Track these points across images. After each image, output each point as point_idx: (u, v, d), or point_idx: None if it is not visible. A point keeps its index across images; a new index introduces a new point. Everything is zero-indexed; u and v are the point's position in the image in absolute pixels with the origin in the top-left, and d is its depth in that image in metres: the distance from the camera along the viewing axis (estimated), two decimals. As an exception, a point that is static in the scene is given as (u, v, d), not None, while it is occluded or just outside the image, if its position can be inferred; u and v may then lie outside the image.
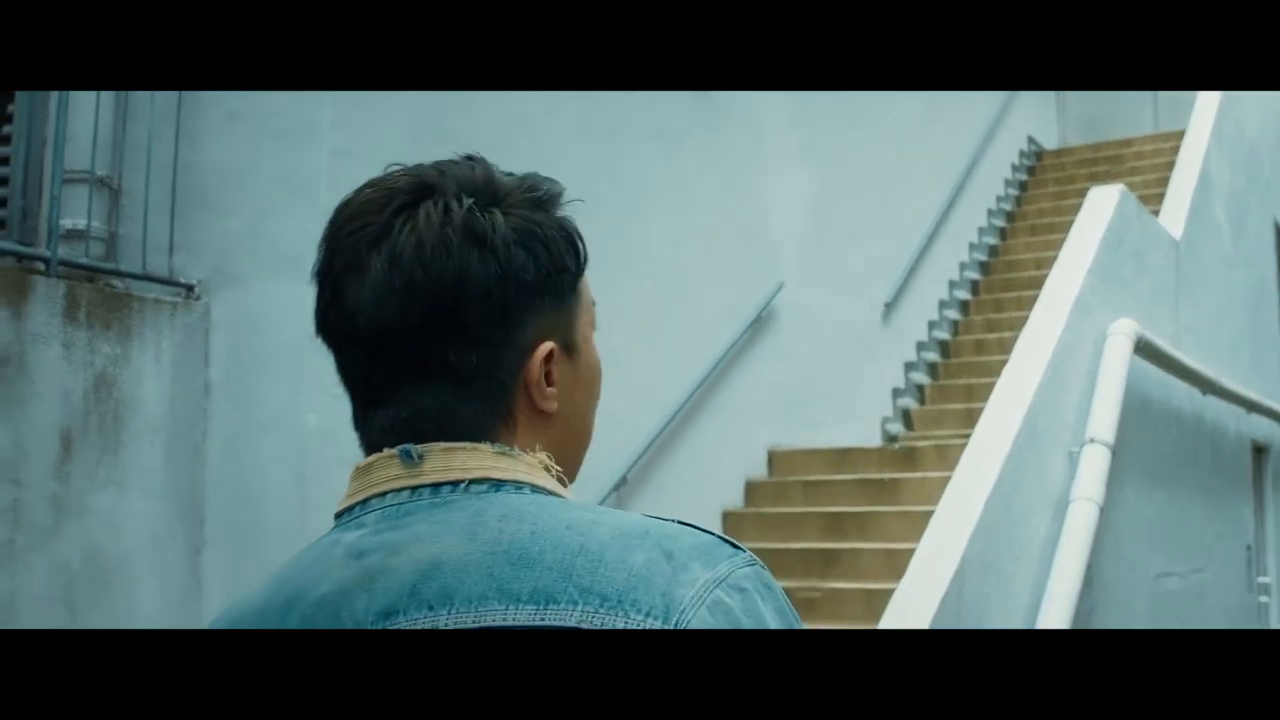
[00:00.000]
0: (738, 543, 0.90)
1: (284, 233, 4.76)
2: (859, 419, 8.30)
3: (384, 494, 0.93)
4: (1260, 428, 9.30)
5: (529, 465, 0.95)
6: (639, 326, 6.36)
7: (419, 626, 0.83)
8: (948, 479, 6.65)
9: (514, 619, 0.82)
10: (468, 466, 0.92)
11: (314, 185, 4.76)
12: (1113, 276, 6.27)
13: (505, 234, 0.93)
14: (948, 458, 7.12)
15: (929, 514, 6.44)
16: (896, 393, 8.80)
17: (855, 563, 6.44)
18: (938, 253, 9.71)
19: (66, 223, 4.40)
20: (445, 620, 0.83)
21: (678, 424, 6.60)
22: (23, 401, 4.00)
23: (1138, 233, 6.77)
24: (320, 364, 1.00)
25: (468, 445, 0.93)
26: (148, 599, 4.33)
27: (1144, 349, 6.19)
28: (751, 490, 7.32)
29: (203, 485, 4.58)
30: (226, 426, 4.67)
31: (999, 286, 10.17)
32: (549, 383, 0.99)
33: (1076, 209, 10.31)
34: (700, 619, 0.81)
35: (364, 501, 0.93)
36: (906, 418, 8.67)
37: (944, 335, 9.61)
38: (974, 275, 10.31)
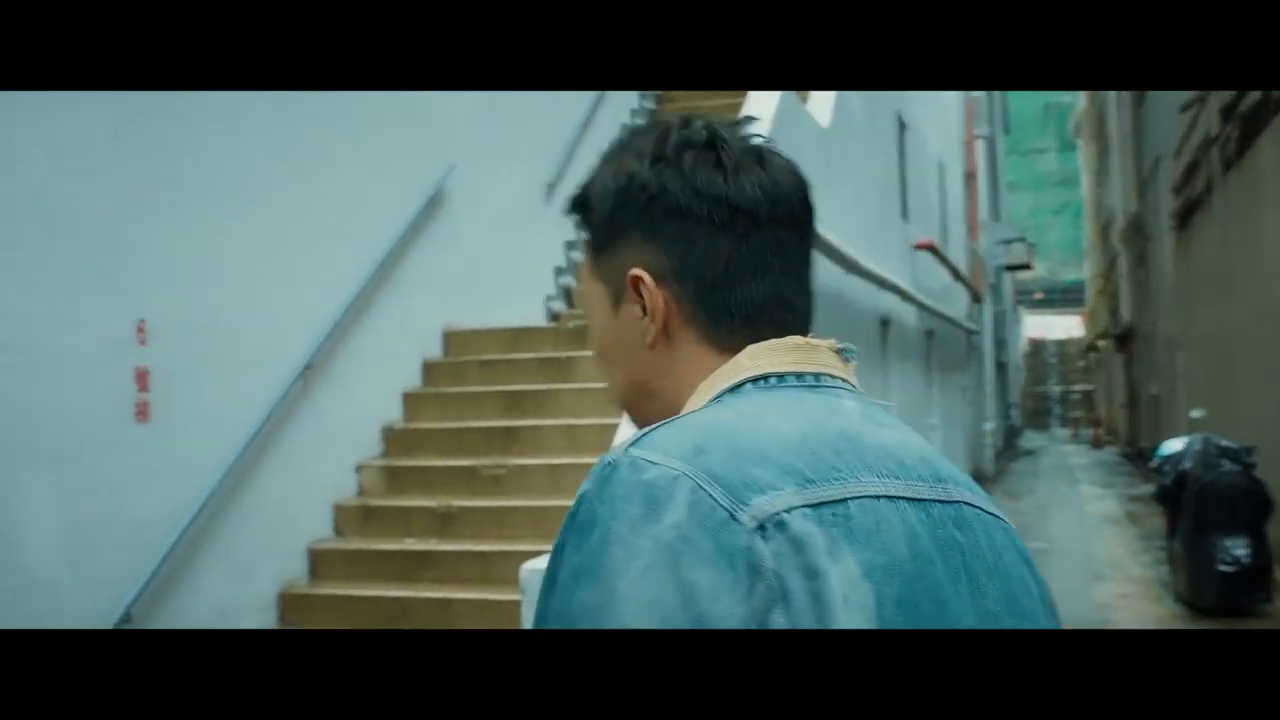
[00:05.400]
0: None
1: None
2: (528, 298, 8.45)
3: (832, 375, 1.05)
4: (886, 303, 10.13)
5: None
6: (319, 211, 6.23)
7: (954, 495, 0.99)
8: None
9: (972, 498, 1.01)
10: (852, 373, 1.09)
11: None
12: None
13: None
14: (618, 335, 7.39)
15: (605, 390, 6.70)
16: (559, 271, 8.99)
17: (536, 439, 6.63)
18: (596, 130, 9.89)
19: None
20: (956, 492, 0.99)
21: (358, 308, 6.53)
22: None
23: (794, 121, 7.17)
24: None
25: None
26: None
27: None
28: (430, 370, 7.36)
29: None
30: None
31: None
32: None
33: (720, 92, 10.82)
34: None
35: (816, 375, 1.04)
36: (568, 295, 8.89)
37: (600, 215, 9.81)
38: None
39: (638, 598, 0.82)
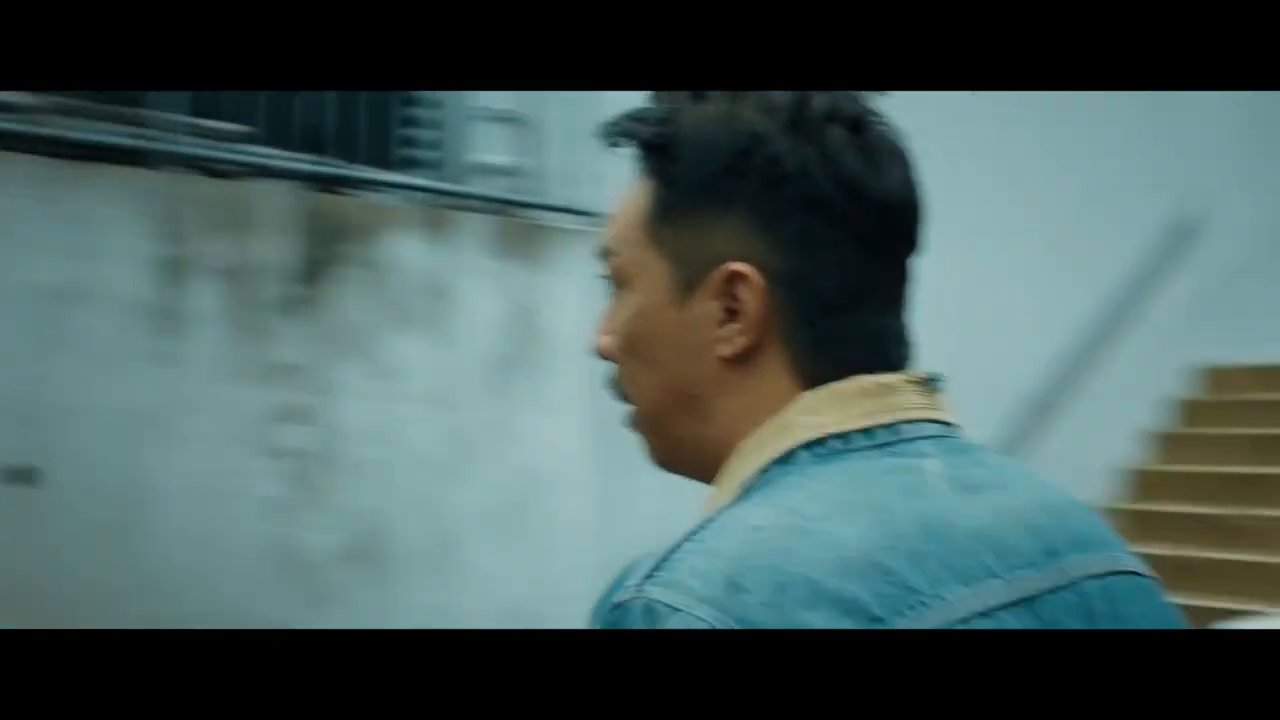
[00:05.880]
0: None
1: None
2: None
3: (912, 421, 0.84)
4: None
5: None
6: (1044, 237, 6.05)
7: (1070, 574, 0.80)
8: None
9: (1094, 563, 0.83)
10: (945, 405, 0.89)
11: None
12: None
13: None
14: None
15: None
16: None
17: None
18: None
19: (482, 158, 4.61)
20: (1097, 564, 0.82)
21: (1092, 341, 6.29)
22: (455, 331, 4.24)
23: None
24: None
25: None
26: (574, 517, 4.50)
27: None
28: (1178, 410, 6.92)
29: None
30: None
31: None
32: None
33: None
34: None
35: (891, 425, 0.83)
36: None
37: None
38: None
39: None
